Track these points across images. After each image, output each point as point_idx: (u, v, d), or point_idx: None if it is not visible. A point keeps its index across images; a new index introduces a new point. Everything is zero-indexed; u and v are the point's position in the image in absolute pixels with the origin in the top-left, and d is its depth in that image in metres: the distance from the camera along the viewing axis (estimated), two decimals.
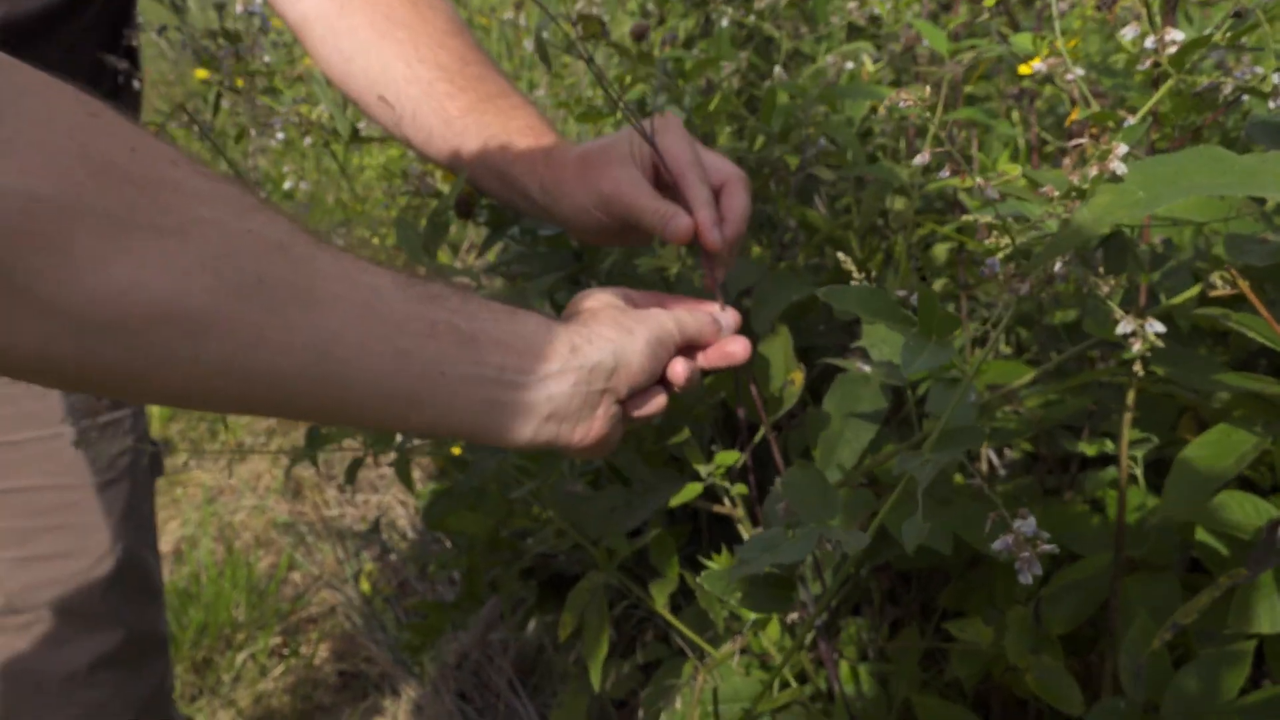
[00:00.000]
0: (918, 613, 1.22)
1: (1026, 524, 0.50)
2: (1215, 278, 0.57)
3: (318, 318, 0.54)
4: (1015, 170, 1.03)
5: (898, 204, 1.05)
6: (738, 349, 0.76)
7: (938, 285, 0.96)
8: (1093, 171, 0.49)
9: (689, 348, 0.76)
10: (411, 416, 0.60)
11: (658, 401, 0.72)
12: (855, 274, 0.70)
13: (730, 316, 0.78)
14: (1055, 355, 1.00)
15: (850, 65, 1.07)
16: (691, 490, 0.79)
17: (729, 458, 0.79)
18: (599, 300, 0.74)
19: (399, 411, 0.59)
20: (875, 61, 1.11)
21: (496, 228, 0.98)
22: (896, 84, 1.08)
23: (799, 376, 0.80)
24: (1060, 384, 0.79)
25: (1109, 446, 0.81)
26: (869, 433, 0.80)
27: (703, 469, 0.78)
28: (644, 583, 0.98)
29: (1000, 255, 0.53)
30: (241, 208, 0.53)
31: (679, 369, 0.72)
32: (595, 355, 0.66)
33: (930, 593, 1.24)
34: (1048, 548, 0.49)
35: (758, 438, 0.83)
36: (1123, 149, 0.50)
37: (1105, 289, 0.53)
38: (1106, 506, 0.93)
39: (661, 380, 0.73)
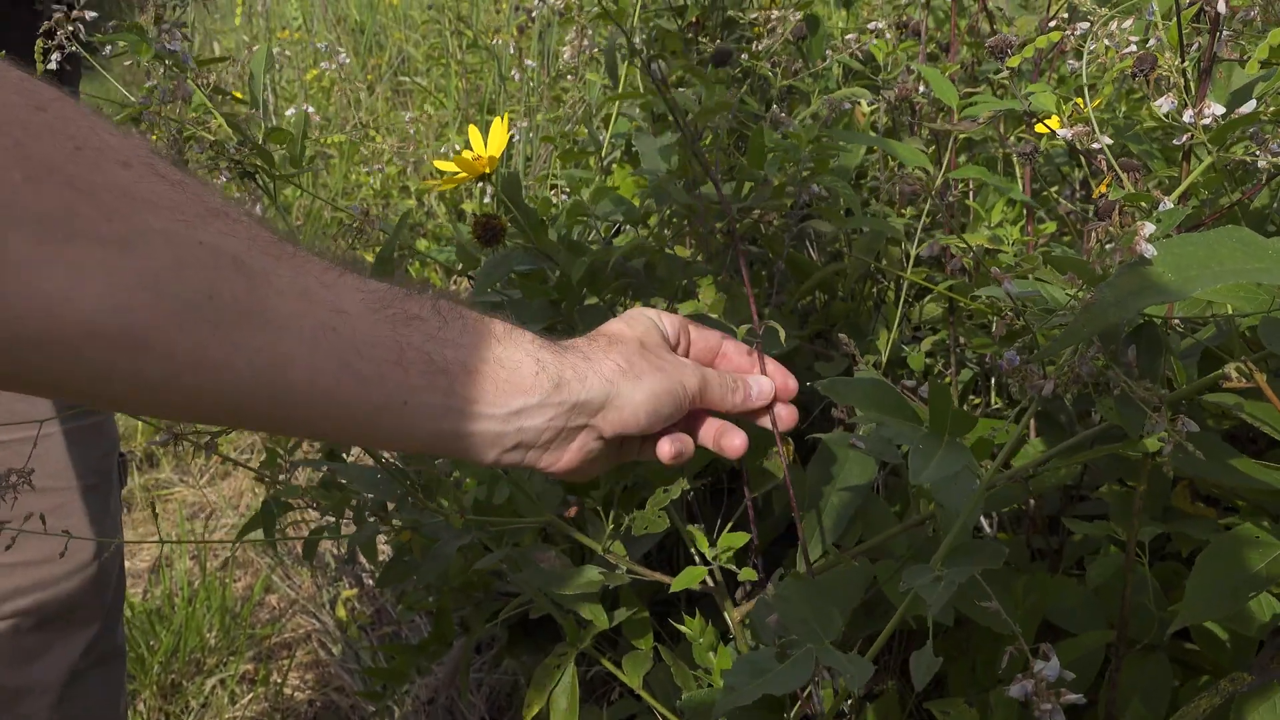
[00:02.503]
0: (897, 671, 1.18)
1: (1049, 666, 0.44)
2: (1231, 369, 0.53)
3: (267, 338, 0.51)
4: (1010, 228, 1.00)
5: (891, 253, 1.01)
6: (736, 443, 0.69)
7: (928, 343, 0.92)
8: (1118, 256, 0.44)
9: (706, 409, 0.70)
10: (369, 437, 0.58)
11: (656, 455, 0.68)
12: (858, 357, 0.65)
13: (765, 385, 0.71)
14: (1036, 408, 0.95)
15: (847, 105, 1.03)
16: (693, 575, 0.74)
17: (736, 540, 0.74)
18: (635, 327, 0.69)
19: (356, 432, 0.57)
20: (870, 105, 1.07)
21: (464, 268, 0.93)
22: (892, 132, 1.04)
23: (788, 448, 0.76)
24: (1071, 458, 0.74)
25: (1114, 530, 0.77)
26: (856, 501, 0.76)
27: (707, 552, 0.73)
28: (616, 645, 0.93)
29: (1017, 344, 0.49)
30: (198, 214, 0.49)
31: (665, 449, 0.67)
32: (582, 393, 0.62)
33: (911, 649, 1.20)
34: (1073, 698, 0.44)
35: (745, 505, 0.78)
36: (1149, 228, 0.46)
37: (1141, 393, 0.49)
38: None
39: (662, 434, 0.68)
